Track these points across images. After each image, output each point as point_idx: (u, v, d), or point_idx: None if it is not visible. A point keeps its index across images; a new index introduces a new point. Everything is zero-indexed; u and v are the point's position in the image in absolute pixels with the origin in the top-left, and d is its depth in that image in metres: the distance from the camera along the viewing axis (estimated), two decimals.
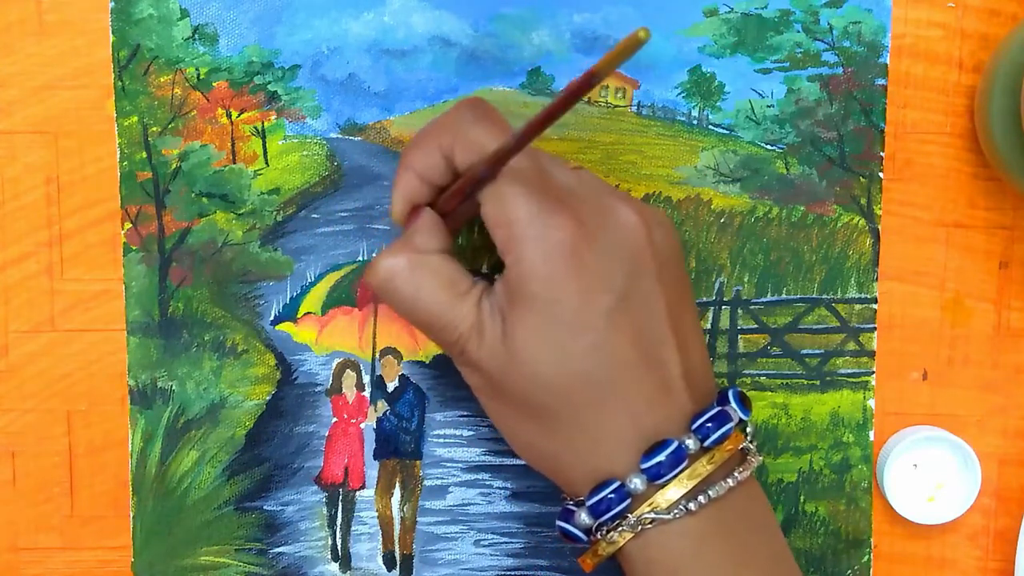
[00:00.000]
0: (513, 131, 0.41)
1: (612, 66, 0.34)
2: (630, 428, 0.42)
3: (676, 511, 0.42)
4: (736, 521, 0.43)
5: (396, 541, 0.54)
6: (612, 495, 0.42)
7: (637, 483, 0.42)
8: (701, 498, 0.42)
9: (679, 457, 0.42)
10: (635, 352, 0.42)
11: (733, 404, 0.43)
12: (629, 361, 0.42)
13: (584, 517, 0.43)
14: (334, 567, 0.54)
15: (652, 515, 0.42)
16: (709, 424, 0.42)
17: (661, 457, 0.41)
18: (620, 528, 0.42)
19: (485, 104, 0.44)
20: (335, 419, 0.53)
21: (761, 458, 0.44)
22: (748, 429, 0.45)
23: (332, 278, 0.53)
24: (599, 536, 0.43)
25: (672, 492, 0.42)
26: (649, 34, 0.32)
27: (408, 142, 0.46)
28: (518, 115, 0.52)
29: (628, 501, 0.42)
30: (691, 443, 0.42)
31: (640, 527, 0.42)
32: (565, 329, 0.41)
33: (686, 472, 0.42)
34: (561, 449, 0.43)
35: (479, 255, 0.52)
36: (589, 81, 0.35)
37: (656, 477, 0.42)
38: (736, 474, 0.43)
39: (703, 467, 0.42)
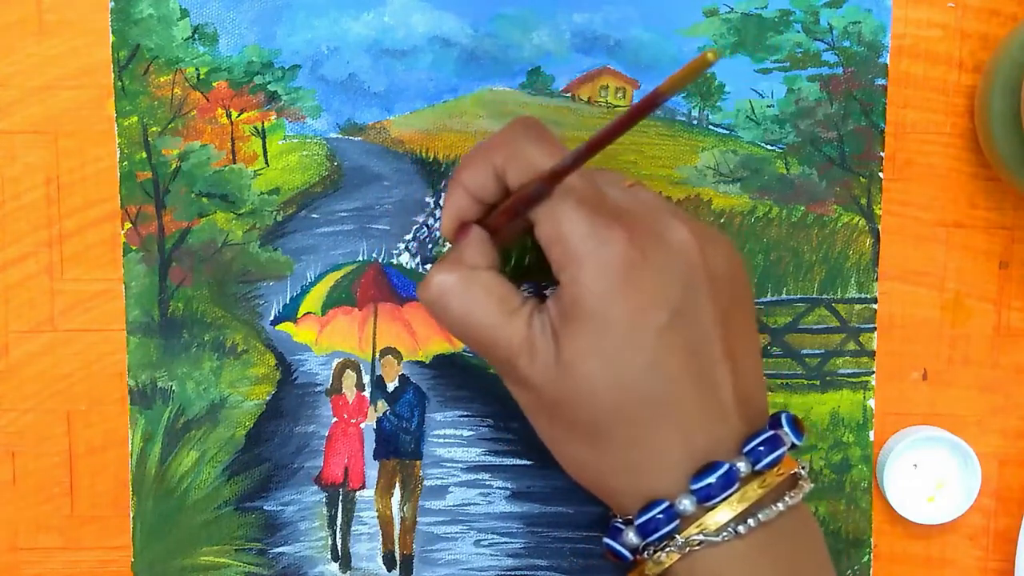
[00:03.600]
0: (568, 151, 0.41)
1: (679, 86, 0.34)
2: (681, 448, 0.42)
3: (725, 534, 0.41)
4: (785, 545, 0.42)
5: (396, 541, 0.54)
6: (661, 515, 0.41)
7: (687, 504, 0.41)
8: (751, 521, 0.41)
9: (730, 480, 0.41)
10: (688, 371, 0.41)
11: (786, 428, 0.43)
12: (682, 380, 0.41)
13: (632, 536, 0.42)
14: (334, 567, 0.54)
15: (701, 537, 0.41)
16: (761, 448, 0.42)
17: (711, 479, 0.41)
18: (668, 549, 0.42)
19: (538, 123, 0.44)
20: (335, 419, 0.53)
21: (812, 484, 0.44)
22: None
23: (332, 278, 0.53)
24: (646, 556, 0.42)
25: (722, 515, 0.41)
26: (718, 56, 0.32)
27: (460, 159, 0.46)
28: (517, 115, 0.52)
29: (677, 522, 0.42)
30: (743, 466, 0.42)
31: (688, 548, 0.41)
32: (619, 347, 0.41)
33: (736, 495, 0.41)
34: (611, 467, 0.43)
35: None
36: (653, 101, 0.35)
37: (706, 499, 0.41)
38: (787, 498, 0.42)
39: (754, 491, 0.41)
